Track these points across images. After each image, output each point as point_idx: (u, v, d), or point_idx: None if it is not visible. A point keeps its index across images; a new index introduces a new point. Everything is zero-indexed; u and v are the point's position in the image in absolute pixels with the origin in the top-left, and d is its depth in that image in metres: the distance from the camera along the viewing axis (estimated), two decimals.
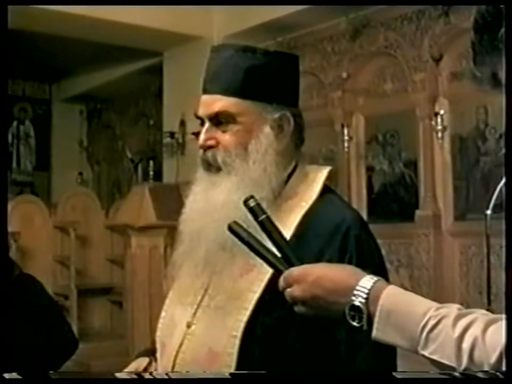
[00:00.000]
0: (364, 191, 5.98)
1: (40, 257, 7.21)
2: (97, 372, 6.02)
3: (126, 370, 1.87)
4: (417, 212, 5.46)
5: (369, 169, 5.95)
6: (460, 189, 5.32)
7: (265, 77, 1.73)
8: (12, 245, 6.24)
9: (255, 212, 1.45)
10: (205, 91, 1.77)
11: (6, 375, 2.72)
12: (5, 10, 1.89)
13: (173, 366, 1.70)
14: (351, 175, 6.00)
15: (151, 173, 7.12)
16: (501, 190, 4.05)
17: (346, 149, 5.96)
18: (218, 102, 1.72)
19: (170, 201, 5.59)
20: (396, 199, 5.73)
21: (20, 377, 2.80)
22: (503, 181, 1.28)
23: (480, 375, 1.15)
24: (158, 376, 1.72)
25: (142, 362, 1.88)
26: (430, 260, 5.34)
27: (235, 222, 1.46)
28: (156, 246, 5.82)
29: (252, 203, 1.46)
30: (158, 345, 1.83)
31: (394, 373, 1.62)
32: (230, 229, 1.46)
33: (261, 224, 1.44)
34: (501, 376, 1.13)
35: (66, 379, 1.53)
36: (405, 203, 5.65)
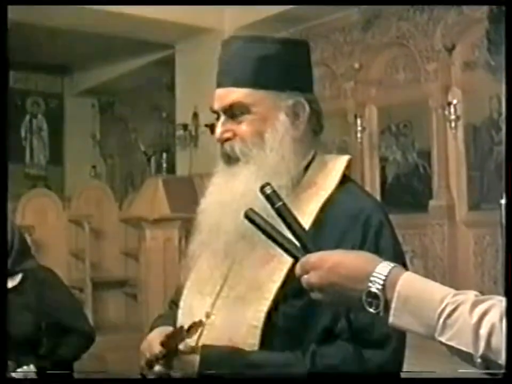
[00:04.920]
0: (378, 182, 5.96)
1: (54, 251, 7.23)
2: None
3: (150, 335, 1.79)
4: (431, 202, 5.45)
5: (383, 160, 5.94)
6: (474, 178, 5.29)
7: (276, 65, 1.73)
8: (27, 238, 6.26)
9: (271, 199, 1.44)
10: (219, 85, 1.78)
11: (25, 368, 2.74)
12: (5, 10, 1.91)
13: None
14: (364, 166, 5.99)
15: (164, 165, 7.12)
16: None
17: (359, 140, 5.95)
18: (232, 94, 1.72)
19: (184, 194, 5.60)
20: (410, 190, 5.71)
21: (35, 370, 2.82)
22: None
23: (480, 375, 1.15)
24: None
25: (166, 330, 1.77)
26: (444, 250, 5.33)
27: (251, 209, 1.45)
28: (170, 238, 5.83)
29: (267, 190, 1.45)
30: None
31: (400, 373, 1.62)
32: (246, 216, 1.45)
33: (277, 211, 1.43)
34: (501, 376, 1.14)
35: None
36: (419, 193, 5.63)
